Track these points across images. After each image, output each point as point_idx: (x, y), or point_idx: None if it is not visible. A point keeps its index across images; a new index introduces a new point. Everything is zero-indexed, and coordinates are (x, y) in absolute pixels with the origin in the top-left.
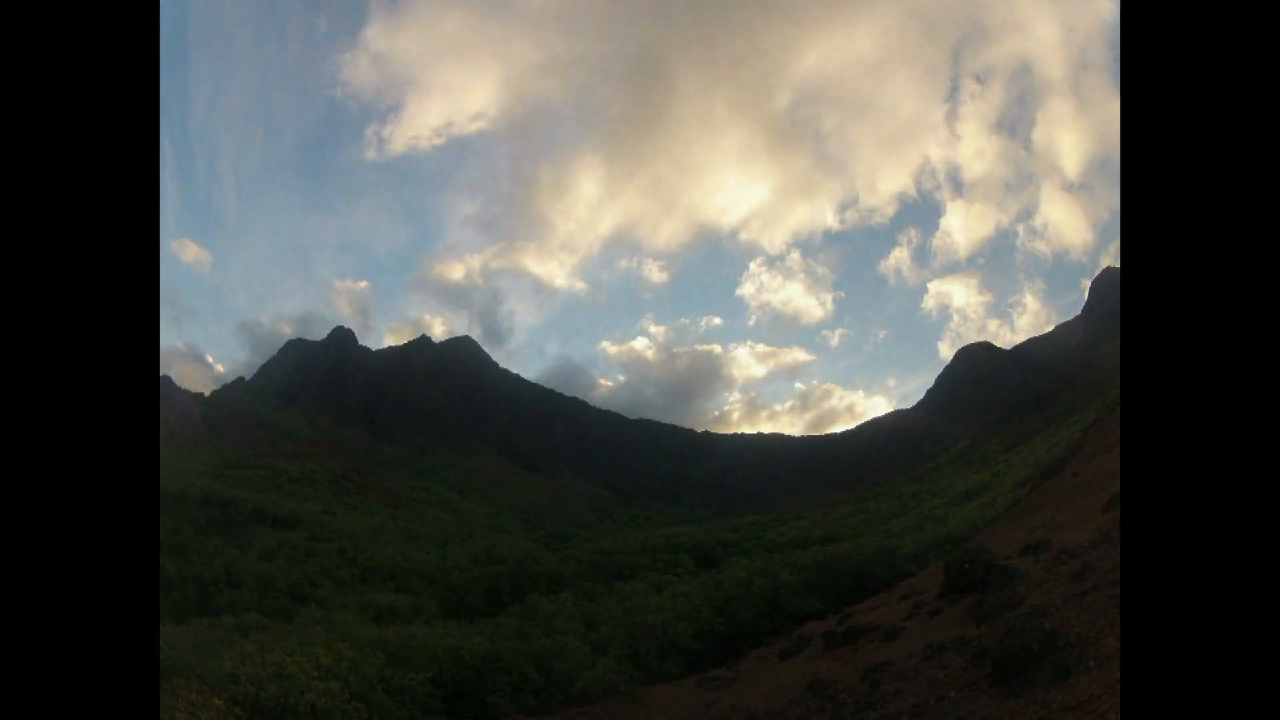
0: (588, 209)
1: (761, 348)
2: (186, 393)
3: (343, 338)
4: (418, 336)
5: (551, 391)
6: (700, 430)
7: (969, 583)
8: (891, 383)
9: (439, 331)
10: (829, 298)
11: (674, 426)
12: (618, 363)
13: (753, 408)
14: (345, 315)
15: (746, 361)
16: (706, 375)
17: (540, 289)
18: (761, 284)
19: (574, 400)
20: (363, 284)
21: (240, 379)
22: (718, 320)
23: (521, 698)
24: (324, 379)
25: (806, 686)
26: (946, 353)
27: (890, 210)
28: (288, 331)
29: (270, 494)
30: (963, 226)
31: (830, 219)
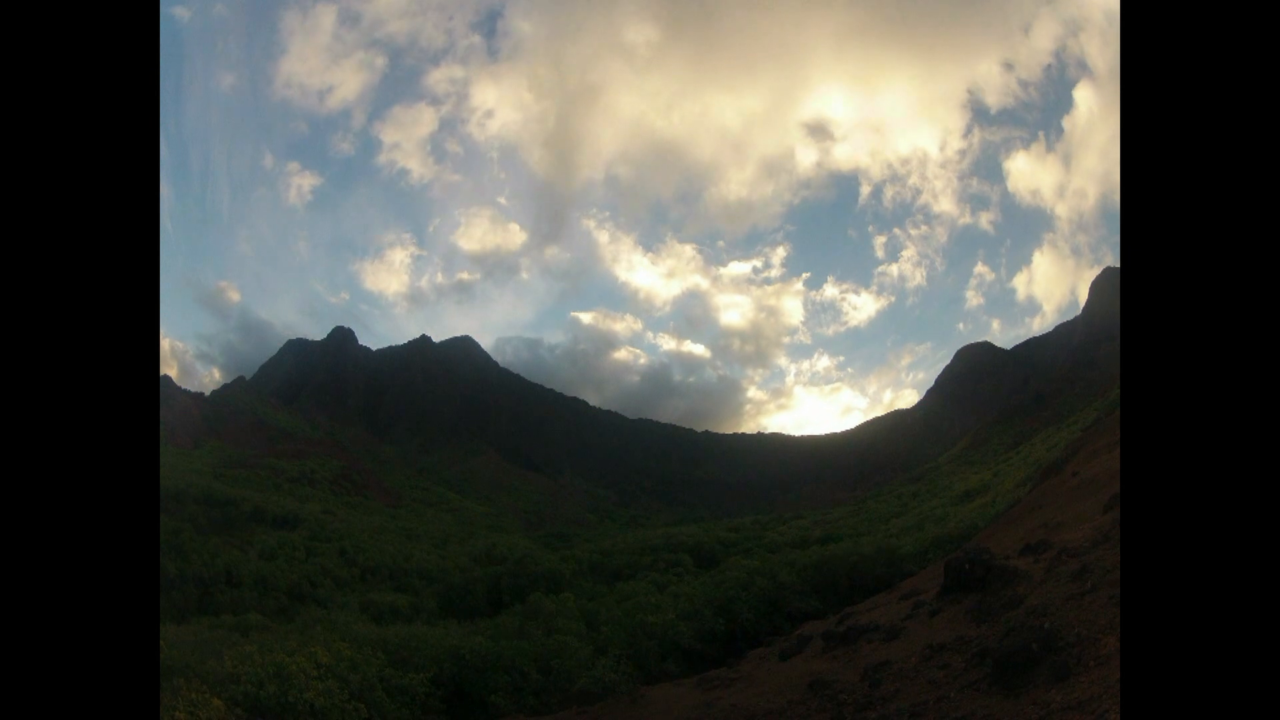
0: (623, 93)
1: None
2: (186, 393)
3: (343, 338)
4: (418, 336)
5: (551, 391)
6: (700, 430)
7: (969, 583)
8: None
9: (399, 257)
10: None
11: (674, 426)
12: (655, 310)
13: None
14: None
15: (843, 308)
16: (771, 339)
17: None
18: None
19: (574, 400)
20: (293, 165)
21: (240, 378)
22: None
23: (522, 697)
24: (324, 379)
25: (806, 686)
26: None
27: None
28: (235, 295)
29: (270, 494)
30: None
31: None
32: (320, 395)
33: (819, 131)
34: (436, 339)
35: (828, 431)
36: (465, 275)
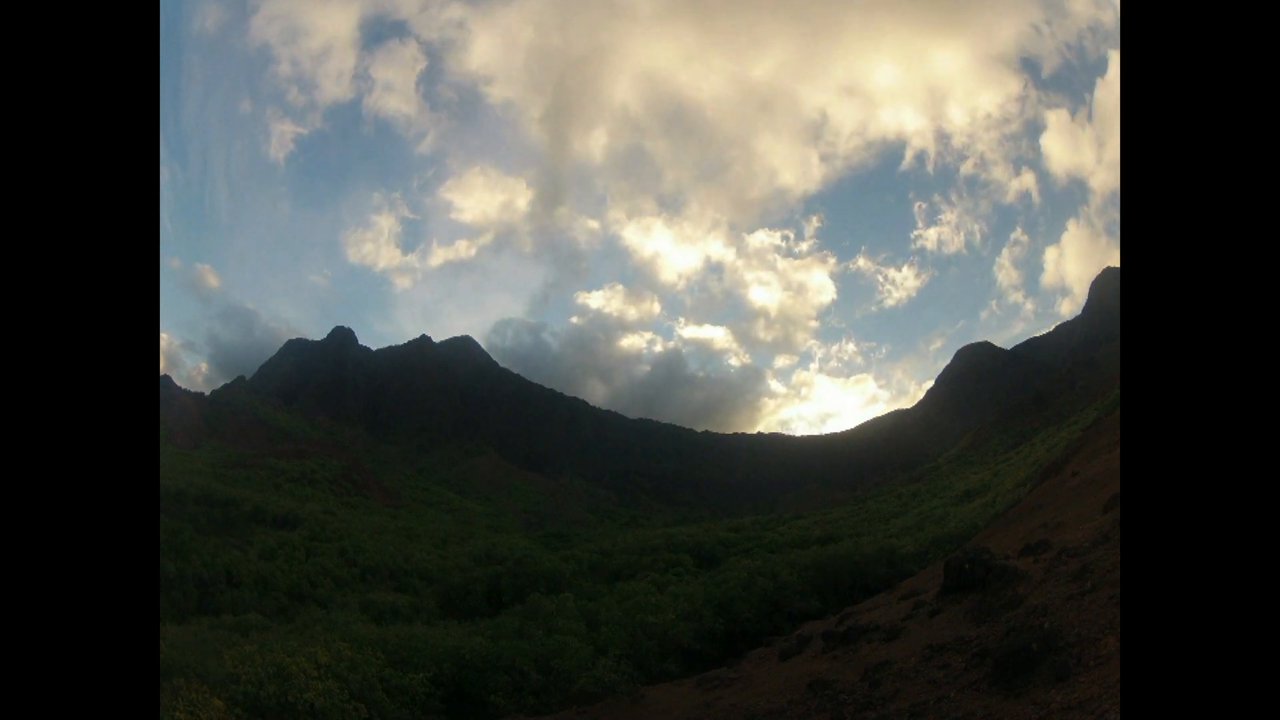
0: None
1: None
2: (186, 393)
3: (343, 338)
4: (418, 337)
5: (551, 391)
6: (700, 430)
7: (969, 583)
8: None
9: (388, 224)
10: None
11: (674, 426)
12: (670, 289)
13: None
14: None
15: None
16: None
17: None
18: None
19: (574, 400)
20: (272, 111)
21: (241, 378)
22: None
23: (522, 697)
24: (324, 379)
25: (806, 686)
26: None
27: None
28: (214, 279)
29: (270, 494)
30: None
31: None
32: (320, 395)
33: (851, 95)
34: (431, 323)
35: (835, 430)
36: (462, 249)
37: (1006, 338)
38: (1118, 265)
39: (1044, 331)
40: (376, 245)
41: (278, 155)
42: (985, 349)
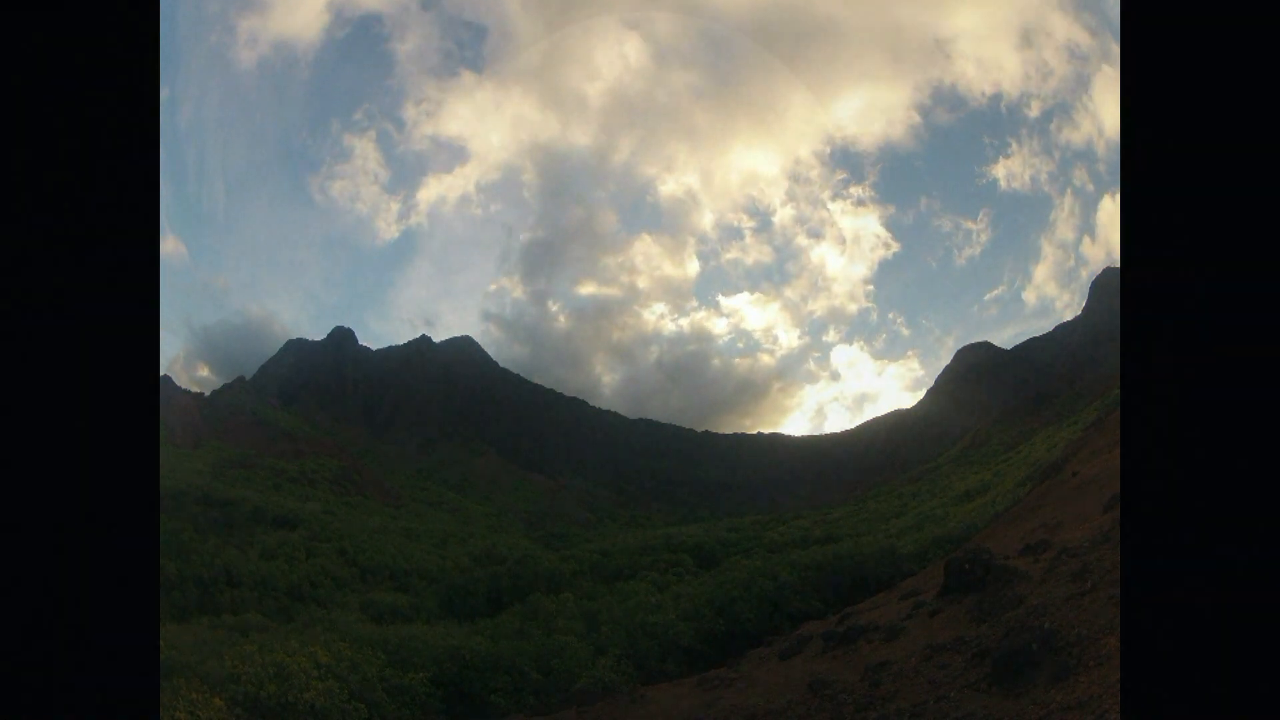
0: None
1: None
2: (186, 393)
3: (342, 337)
4: (418, 337)
5: (552, 391)
6: (700, 430)
7: (969, 583)
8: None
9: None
10: None
11: (674, 426)
12: (699, 246)
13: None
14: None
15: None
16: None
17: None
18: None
19: (574, 400)
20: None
21: (240, 378)
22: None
23: (522, 697)
24: (324, 379)
25: (806, 686)
26: None
27: None
28: (180, 248)
29: (270, 494)
30: None
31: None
32: (320, 395)
33: (916, 26)
34: (423, 302)
35: (832, 431)
36: (458, 187)
37: (1064, 302)
38: (1115, 266)
39: (1045, 331)
40: (355, 182)
41: (245, 68)
42: (985, 349)
